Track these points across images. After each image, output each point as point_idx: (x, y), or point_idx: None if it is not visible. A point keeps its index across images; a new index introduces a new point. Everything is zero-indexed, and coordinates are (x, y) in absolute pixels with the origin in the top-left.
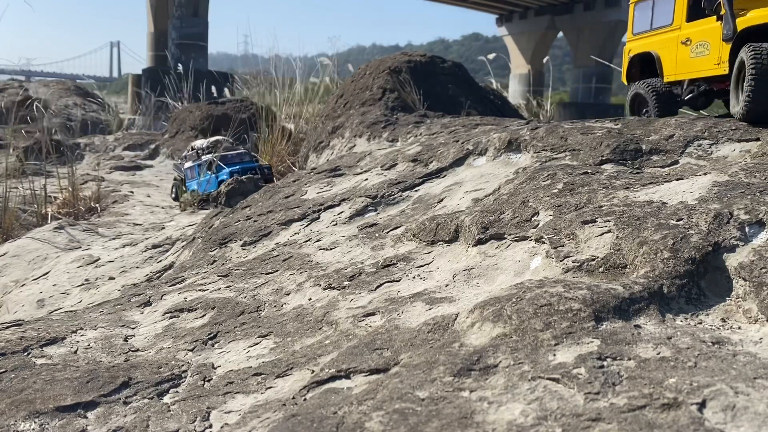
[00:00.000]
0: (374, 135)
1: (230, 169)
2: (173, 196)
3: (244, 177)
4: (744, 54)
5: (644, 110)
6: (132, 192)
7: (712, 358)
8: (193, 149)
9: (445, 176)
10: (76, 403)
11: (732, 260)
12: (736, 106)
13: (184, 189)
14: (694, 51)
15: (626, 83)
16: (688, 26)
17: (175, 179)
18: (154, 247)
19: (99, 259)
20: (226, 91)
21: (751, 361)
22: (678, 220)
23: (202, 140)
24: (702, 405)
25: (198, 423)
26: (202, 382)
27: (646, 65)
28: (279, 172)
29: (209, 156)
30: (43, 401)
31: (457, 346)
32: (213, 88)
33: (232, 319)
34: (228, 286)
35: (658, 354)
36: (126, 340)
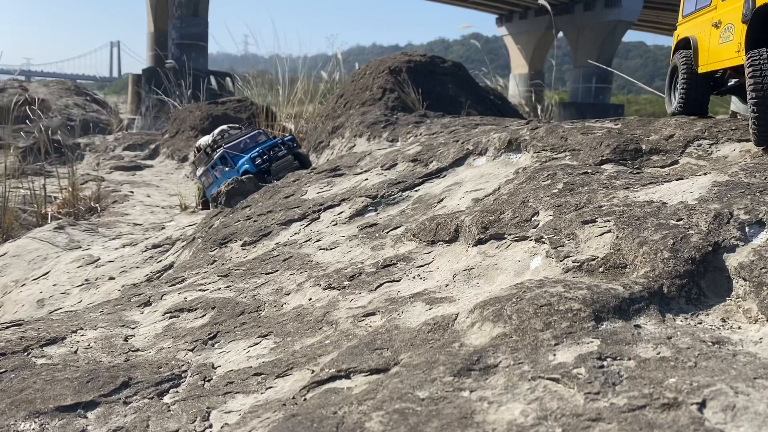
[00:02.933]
0: (374, 135)
1: (250, 155)
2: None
3: (263, 161)
4: (745, 60)
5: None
6: (132, 192)
7: (712, 358)
8: (199, 150)
9: (445, 176)
10: (76, 403)
11: (732, 260)
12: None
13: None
14: (723, 36)
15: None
16: (723, 5)
17: (200, 190)
18: (154, 247)
19: (99, 259)
20: (228, 81)
21: (751, 361)
22: (678, 220)
23: (206, 137)
24: (702, 405)
25: (198, 423)
26: (202, 382)
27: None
28: None
29: (222, 149)
30: (43, 401)
31: (457, 346)
32: (212, 80)
33: (232, 319)
34: (228, 286)
35: (658, 354)
36: (126, 340)
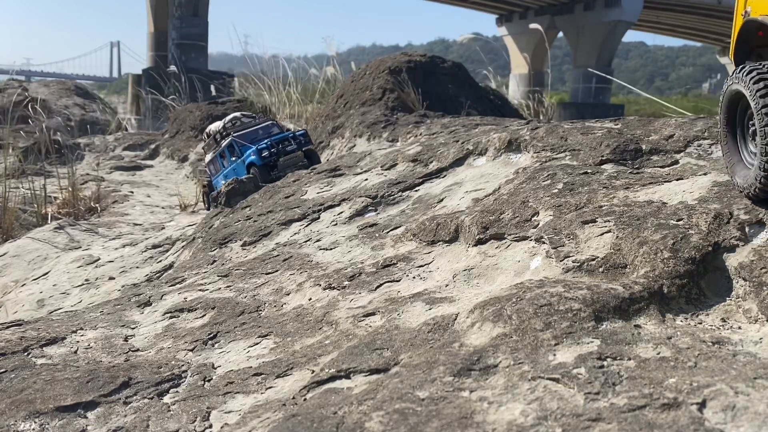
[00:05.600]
0: (374, 135)
1: (258, 146)
2: (206, 206)
3: (270, 154)
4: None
5: None
6: (132, 192)
7: (712, 358)
8: (209, 136)
9: (445, 176)
10: (76, 403)
11: (732, 260)
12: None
13: (213, 196)
14: None
15: (733, 62)
16: None
17: (204, 187)
18: (154, 247)
19: (99, 259)
20: (213, 89)
21: (751, 361)
22: (678, 220)
23: (218, 122)
24: (702, 405)
25: (198, 423)
26: (202, 382)
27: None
28: None
29: (231, 137)
30: (43, 401)
31: (457, 346)
32: (212, 88)
33: (232, 319)
34: (228, 286)
35: (658, 354)
36: (126, 340)
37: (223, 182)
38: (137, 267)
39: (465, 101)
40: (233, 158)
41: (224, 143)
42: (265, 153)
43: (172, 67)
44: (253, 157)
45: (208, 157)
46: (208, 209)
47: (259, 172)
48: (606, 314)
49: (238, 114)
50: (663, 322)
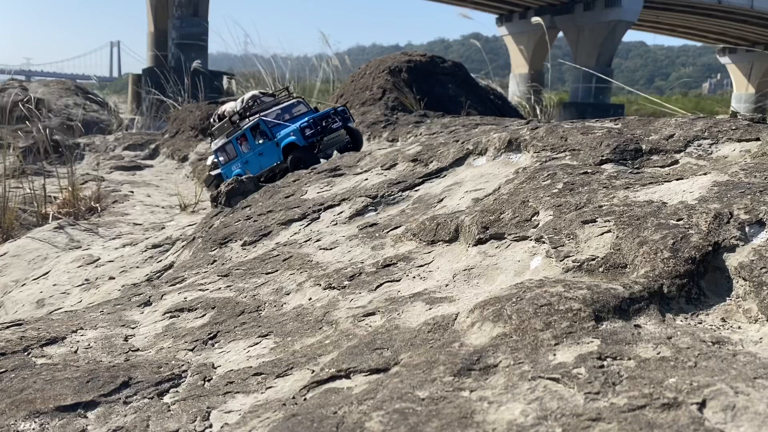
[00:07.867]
0: (374, 135)
1: (299, 124)
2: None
3: (314, 133)
4: None
5: None
6: (132, 192)
7: (712, 358)
8: (221, 118)
9: (445, 176)
10: (76, 402)
11: (732, 260)
12: None
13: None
14: None
15: None
16: None
17: (206, 180)
18: (154, 246)
19: (99, 258)
20: (232, 81)
21: (751, 361)
22: (678, 220)
23: (232, 103)
24: (702, 405)
25: (198, 423)
26: (202, 382)
27: None
28: None
29: (257, 117)
30: (43, 401)
31: (457, 345)
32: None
33: (232, 319)
34: (228, 286)
35: (658, 354)
36: (126, 339)
37: (241, 170)
38: (137, 267)
39: (465, 101)
40: (260, 141)
41: (245, 125)
42: (309, 131)
43: (173, 56)
44: (293, 137)
45: (218, 142)
46: (214, 202)
47: (304, 153)
48: (606, 314)
49: (256, 92)
50: (663, 322)
